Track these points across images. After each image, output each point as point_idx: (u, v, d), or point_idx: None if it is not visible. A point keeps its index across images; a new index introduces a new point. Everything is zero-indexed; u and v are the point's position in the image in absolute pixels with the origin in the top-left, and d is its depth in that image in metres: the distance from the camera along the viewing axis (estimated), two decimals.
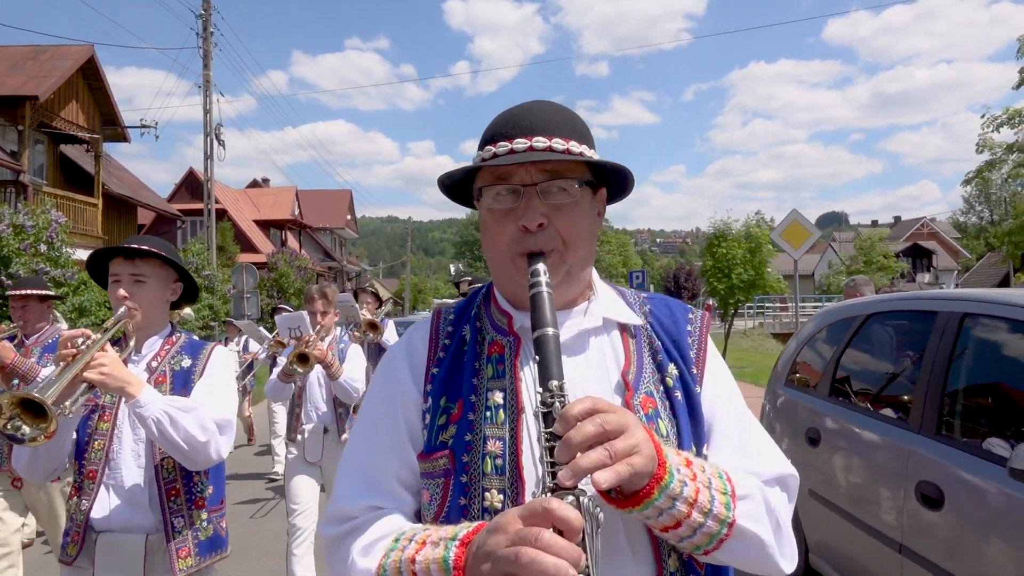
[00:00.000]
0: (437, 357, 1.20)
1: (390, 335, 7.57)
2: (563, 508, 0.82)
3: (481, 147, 1.17)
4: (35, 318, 4.25)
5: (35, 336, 4.23)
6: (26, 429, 1.80)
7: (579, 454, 0.86)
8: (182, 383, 2.29)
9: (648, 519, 0.97)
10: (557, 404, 0.93)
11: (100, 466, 2.19)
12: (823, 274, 47.66)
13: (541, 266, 1.08)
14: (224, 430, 2.22)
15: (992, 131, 14.47)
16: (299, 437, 4.41)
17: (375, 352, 7.44)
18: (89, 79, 18.91)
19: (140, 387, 2.06)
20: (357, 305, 7.52)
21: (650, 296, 1.32)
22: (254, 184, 44.22)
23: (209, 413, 2.17)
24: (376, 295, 7.88)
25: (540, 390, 0.95)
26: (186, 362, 2.34)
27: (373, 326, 7.08)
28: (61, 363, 1.96)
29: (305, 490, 4.27)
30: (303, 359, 4.10)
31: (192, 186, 33.38)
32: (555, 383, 0.95)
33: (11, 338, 4.09)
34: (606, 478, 0.85)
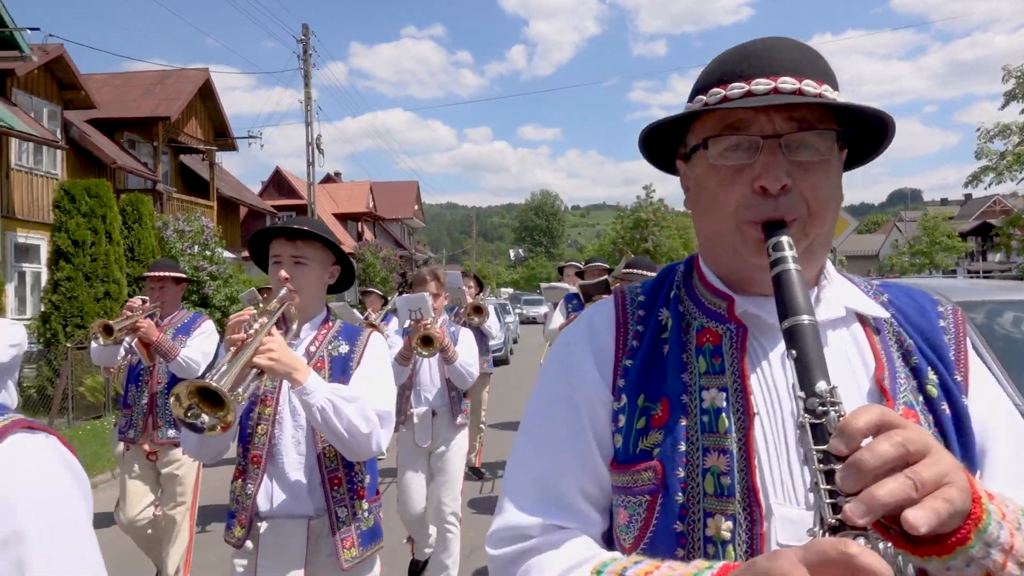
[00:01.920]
0: (629, 346, 0.99)
1: (491, 321, 7.37)
2: (868, 555, 0.60)
3: (703, 89, 0.94)
4: (171, 299, 4.34)
5: (168, 317, 4.32)
6: (205, 418, 1.76)
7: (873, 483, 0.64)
8: (341, 369, 2.25)
9: (950, 571, 0.70)
10: (832, 413, 0.71)
11: (264, 451, 2.18)
12: (886, 254, 47.62)
13: (786, 238, 0.85)
14: (385, 422, 2.19)
15: (986, 142, 15.87)
16: (409, 420, 4.36)
17: (476, 337, 7.41)
18: (205, 98, 21.73)
19: (306, 373, 2.02)
20: (465, 288, 7.28)
21: (884, 284, 1.08)
22: (327, 179, 47.20)
23: (371, 404, 2.13)
24: (477, 279, 7.99)
25: (803, 395, 0.73)
26: (343, 348, 2.29)
27: (478, 310, 7.05)
28: (232, 348, 1.92)
29: (416, 490, 4.28)
30: (427, 342, 3.98)
31: (279, 183, 36.39)
32: (824, 386, 0.73)
33: (150, 316, 4.20)
34: (924, 518, 0.62)
